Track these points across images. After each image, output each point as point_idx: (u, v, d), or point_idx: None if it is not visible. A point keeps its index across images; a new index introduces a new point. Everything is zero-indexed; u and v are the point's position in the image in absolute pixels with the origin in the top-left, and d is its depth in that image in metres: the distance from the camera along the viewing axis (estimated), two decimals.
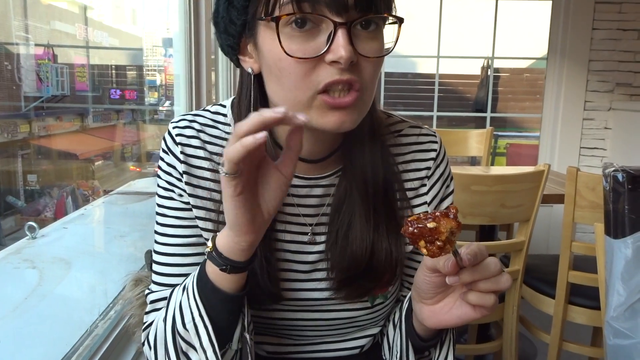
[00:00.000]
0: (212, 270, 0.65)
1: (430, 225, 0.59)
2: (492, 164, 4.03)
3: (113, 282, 1.19)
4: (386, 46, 0.68)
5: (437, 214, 0.60)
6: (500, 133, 4.26)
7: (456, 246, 0.62)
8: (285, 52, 0.63)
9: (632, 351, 0.96)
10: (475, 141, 3.07)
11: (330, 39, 0.62)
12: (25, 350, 1.03)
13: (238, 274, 0.65)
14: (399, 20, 0.67)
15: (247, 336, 0.70)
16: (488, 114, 3.75)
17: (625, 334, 0.99)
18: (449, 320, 0.68)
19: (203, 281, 0.66)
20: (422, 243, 0.60)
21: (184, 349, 0.67)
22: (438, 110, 3.69)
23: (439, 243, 0.60)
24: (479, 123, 3.97)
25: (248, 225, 0.61)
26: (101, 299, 1.17)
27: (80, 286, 1.30)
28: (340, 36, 0.61)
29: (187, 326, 0.66)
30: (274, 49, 0.64)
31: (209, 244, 0.65)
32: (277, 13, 0.63)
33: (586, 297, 1.80)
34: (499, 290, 0.64)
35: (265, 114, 0.55)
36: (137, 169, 2.80)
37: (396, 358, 0.80)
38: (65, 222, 1.73)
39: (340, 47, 0.61)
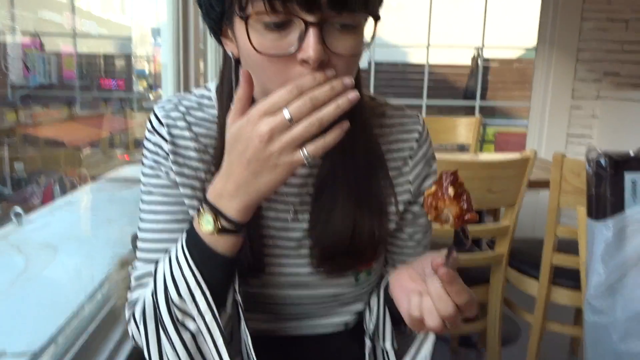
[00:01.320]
0: (210, 236, 0.66)
1: (441, 204, 0.62)
2: (481, 152, 4.05)
3: (100, 266, 1.19)
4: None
5: (451, 194, 0.61)
6: (488, 121, 4.28)
7: (453, 248, 0.63)
8: (255, 49, 0.62)
9: (610, 328, 0.98)
10: (464, 129, 3.10)
11: (301, 38, 0.61)
12: (12, 332, 1.03)
13: (236, 235, 0.67)
14: (375, 18, 0.66)
15: (239, 299, 0.71)
16: (477, 103, 3.76)
17: (604, 311, 1.01)
18: (399, 300, 0.70)
19: (198, 248, 0.67)
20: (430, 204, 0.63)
21: (180, 319, 0.68)
22: (428, 99, 3.70)
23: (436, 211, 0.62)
24: (469, 112, 3.99)
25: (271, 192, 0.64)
26: (88, 282, 1.18)
27: (67, 270, 1.30)
28: (311, 36, 0.60)
29: (183, 295, 0.67)
30: (247, 43, 0.63)
31: (205, 207, 0.66)
32: (249, 9, 0.62)
33: (569, 278, 1.82)
34: (442, 316, 0.63)
35: (343, 104, 0.59)
36: (126, 157, 2.79)
37: (373, 325, 0.81)
38: (52, 208, 1.73)
39: (310, 48, 0.60)
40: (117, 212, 1.64)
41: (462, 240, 0.63)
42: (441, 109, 4.21)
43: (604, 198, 1.12)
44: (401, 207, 0.84)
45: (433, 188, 0.62)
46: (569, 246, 1.75)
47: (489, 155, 3.32)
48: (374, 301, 0.85)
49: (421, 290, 0.66)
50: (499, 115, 4.49)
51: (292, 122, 0.58)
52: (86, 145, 2.81)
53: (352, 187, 0.77)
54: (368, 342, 0.82)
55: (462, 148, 3.37)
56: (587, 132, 3.57)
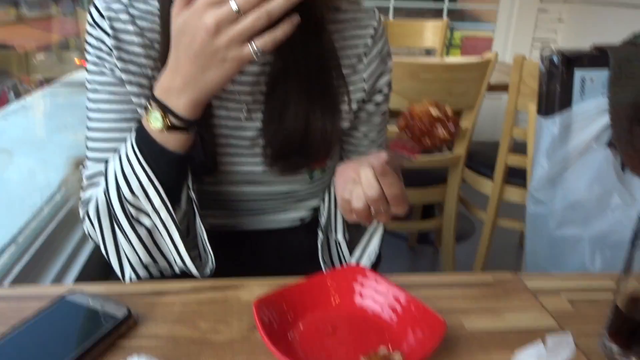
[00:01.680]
0: (159, 133, 0.66)
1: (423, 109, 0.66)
2: (447, 56, 4.02)
3: (56, 169, 1.18)
4: None
5: (435, 115, 0.64)
6: (456, 25, 4.20)
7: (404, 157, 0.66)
8: None
9: (547, 217, 1.05)
10: (430, 33, 3.04)
11: None
12: None
13: (186, 132, 0.67)
14: None
15: (192, 195, 0.73)
16: (445, 5, 3.67)
17: (543, 202, 1.07)
18: (337, 187, 0.73)
19: (148, 146, 0.67)
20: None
21: (134, 215, 0.69)
22: (396, 0, 3.58)
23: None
24: (437, 15, 3.90)
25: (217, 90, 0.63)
26: (45, 185, 1.18)
27: (24, 174, 1.30)
28: None
29: (136, 192, 0.67)
30: None
31: (153, 106, 0.65)
32: None
33: (521, 177, 1.90)
34: (367, 198, 0.66)
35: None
36: (83, 63, 2.68)
37: (325, 218, 0.84)
38: (6, 113, 1.68)
39: None
40: (73, 117, 1.61)
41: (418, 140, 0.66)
42: (409, 12, 4.09)
43: (554, 95, 1.15)
44: (355, 106, 0.84)
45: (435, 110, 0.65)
46: (523, 148, 1.81)
47: (454, 59, 3.31)
48: (326, 195, 0.88)
49: (356, 178, 0.68)
50: (468, 19, 4.40)
51: (240, 14, 0.57)
52: (38, 50, 2.67)
53: (305, 84, 0.76)
54: (320, 235, 0.85)
55: (429, 52, 3.33)
56: (552, 37, 3.55)
